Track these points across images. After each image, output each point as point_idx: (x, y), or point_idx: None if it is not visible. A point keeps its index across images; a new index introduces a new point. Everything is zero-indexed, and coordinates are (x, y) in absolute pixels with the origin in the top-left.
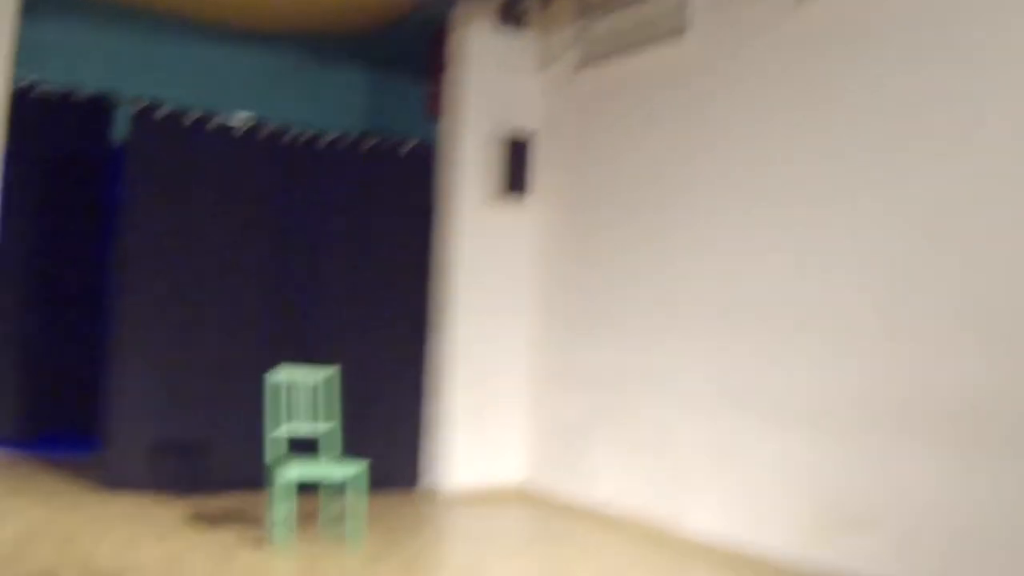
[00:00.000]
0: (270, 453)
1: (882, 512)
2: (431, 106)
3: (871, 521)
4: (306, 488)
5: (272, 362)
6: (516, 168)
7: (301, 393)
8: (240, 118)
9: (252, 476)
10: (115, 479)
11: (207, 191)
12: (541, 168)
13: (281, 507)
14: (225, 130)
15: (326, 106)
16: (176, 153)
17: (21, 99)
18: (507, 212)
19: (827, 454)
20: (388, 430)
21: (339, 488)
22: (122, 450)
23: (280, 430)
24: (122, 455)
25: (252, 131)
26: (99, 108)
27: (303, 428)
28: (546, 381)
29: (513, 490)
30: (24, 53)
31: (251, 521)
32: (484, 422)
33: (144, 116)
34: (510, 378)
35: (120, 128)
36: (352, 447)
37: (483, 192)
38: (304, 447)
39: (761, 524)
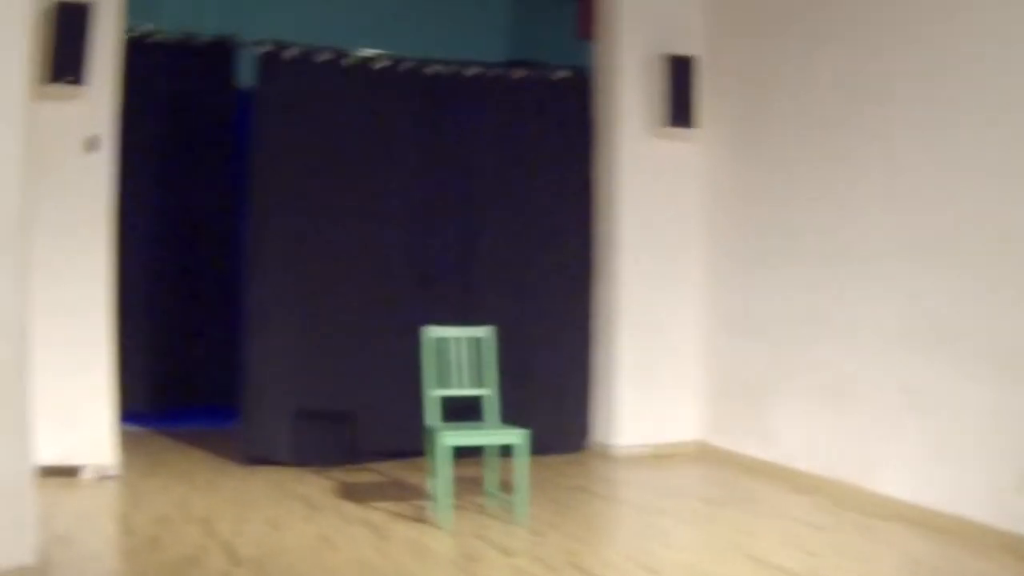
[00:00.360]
0: (428, 416)
1: None
2: (582, 27)
3: None
4: (464, 454)
5: (420, 322)
6: (680, 96)
7: (456, 353)
8: (372, 54)
9: (402, 445)
10: (255, 453)
11: (344, 135)
12: (706, 96)
13: (441, 476)
14: (361, 68)
15: (465, 34)
16: (308, 96)
17: (137, 48)
18: (672, 145)
19: None
20: (551, 387)
21: (501, 453)
22: (262, 422)
23: (437, 392)
24: (262, 427)
25: (389, 67)
26: (221, 52)
27: (460, 390)
28: (719, 329)
29: (688, 448)
30: (135, 1)
31: (406, 493)
32: (654, 375)
33: (271, 58)
34: (681, 327)
35: (244, 73)
36: (513, 408)
37: (645, 123)
38: (460, 412)
39: (960, 482)
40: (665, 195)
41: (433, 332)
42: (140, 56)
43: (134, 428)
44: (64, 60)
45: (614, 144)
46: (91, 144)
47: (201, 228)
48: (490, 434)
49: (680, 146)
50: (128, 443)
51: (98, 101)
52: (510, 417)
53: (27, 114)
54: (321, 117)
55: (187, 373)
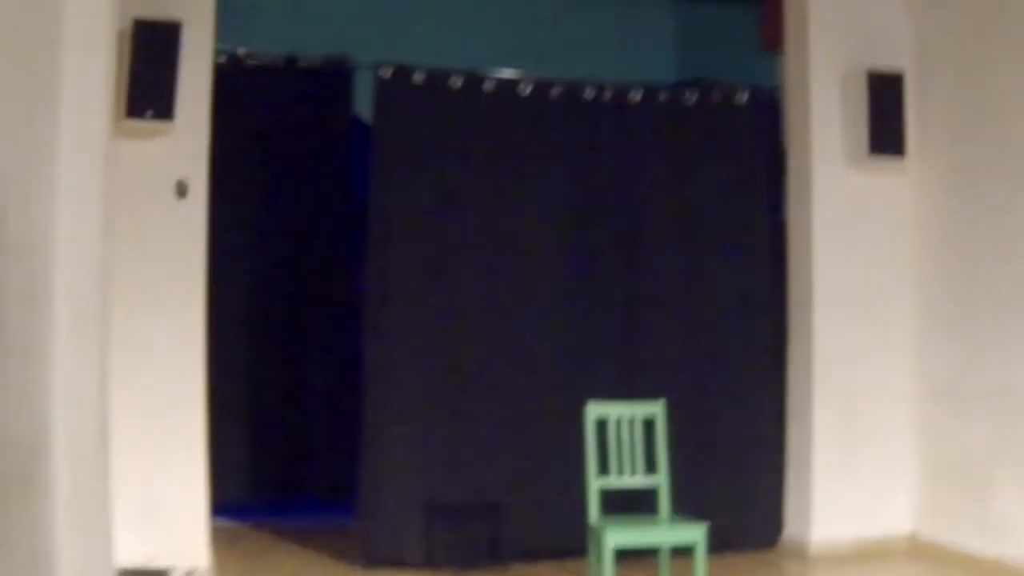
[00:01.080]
0: (592, 511)
1: None
2: (767, 35)
3: None
4: (632, 554)
5: (575, 396)
6: (886, 119)
7: (622, 434)
8: (516, 76)
9: (555, 543)
10: (377, 553)
11: (482, 174)
12: (916, 119)
13: None
14: (502, 93)
15: (626, 50)
16: (439, 127)
17: (230, 74)
18: (876, 180)
19: None
20: (734, 472)
21: (675, 553)
22: (384, 516)
23: (601, 481)
24: (385, 523)
25: (537, 92)
26: (332, 77)
27: (628, 479)
28: (935, 401)
29: (898, 544)
30: (229, 19)
31: None
32: (857, 456)
33: (395, 83)
34: (888, 399)
35: (360, 101)
36: (690, 497)
37: (844, 152)
38: (627, 501)
39: None
40: (869, 240)
41: (595, 409)
42: (234, 83)
43: (229, 523)
44: (146, 90)
45: (807, 179)
46: (179, 190)
47: (310, 286)
48: (664, 531)
49: (886, 181)
50: (222, 541)
51: (187, 138)
52: (686, 508)
53: (107, 158)
54: (454, 152)
55: (294, 457)
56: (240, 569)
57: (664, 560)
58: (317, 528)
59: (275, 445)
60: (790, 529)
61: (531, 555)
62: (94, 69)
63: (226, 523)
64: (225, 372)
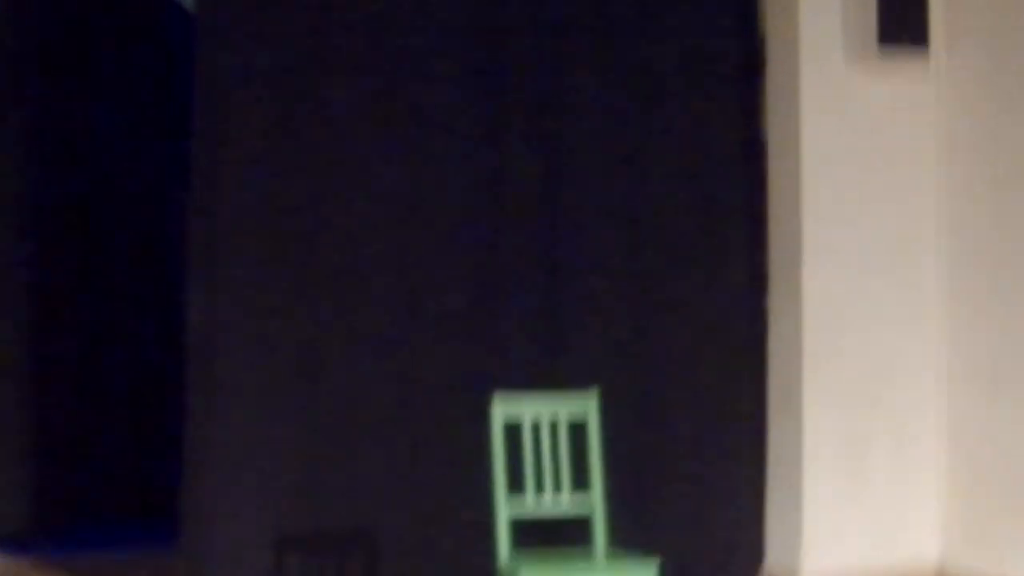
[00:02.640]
0: (501, 545)
1: None
2: None
3: None
4: None
5: (476, 385)
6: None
7: (540, 441)
8: None
9: None
10: None
11: (343, 74)
12: (945, 2)
13: None
14: None
15: None
16: (283, 18)
17: None
18: (890, 82)
19: None
20: (697, 486)
21: None
22: (216, 553)
23: (513, 507)
24: (217, 561)
25: None
26: None
27: (549, 502)
28: (970, 389)
29: (922, 574)
30: None
31: None
32: (866, 463)
33: None
34: (906, 385)
35: None
36: (635, 523)
37: (846, 45)
38: (545, 531)
39: None
40: (880, 167)
41: (504, 407)
42: None
43: (4, 560)
44: None
45: (793, 83)
46: None
47: (114, 222)
48: (602, 571)
49: (903, 84)
50: None
51: None
52: (630, 536)
53: None
54: (305, 52)
55: (90, 470)
56: None
57: None
58: (129, 562)
59: (62, 456)
60: (774, 558)
61: None
62: None
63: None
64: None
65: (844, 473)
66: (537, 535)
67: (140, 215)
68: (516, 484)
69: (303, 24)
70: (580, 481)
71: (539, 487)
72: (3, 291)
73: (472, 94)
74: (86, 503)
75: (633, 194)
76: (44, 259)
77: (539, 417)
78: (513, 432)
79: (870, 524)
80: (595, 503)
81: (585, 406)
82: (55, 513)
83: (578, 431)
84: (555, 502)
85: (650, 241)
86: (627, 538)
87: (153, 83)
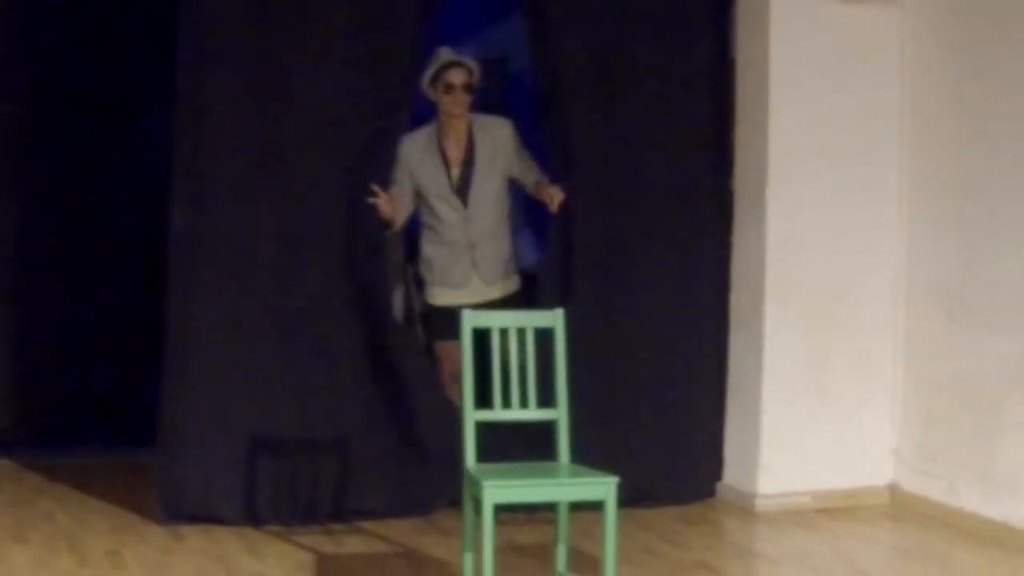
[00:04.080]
0: (468, 453)
1: None
2: None
3: None
4: (519, 506)
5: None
6: None
7: (507, 352)
8: None
9: (417, 493)
10: (182, 506)
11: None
12: None
13: (486, 544)
14: None
15: None
16: None
17: None
18: (857, 8)
19: None
20: (658, 404)
21: (576, 507)
22: (191, 457)
23: (480, 414)
24: (192, 465)
25: None
26: None
27: (516, 411)
28: (929, 311)
29: (875, 499)
30: None
31: (422, 569)
32: (824, 384)
33: None
34: (866, 306)
35: None
36: (598, 436)
37: None
38: (514, 441)
39: None
40: (844, 92)
41: (472, 318)
42: None
43: None
44: None
45: (763, 11)
46: None
47: (96, 164)
48: (561, 486)
49: (871, 9)
50: None
51: None
52: (593, 451)
53: None
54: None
55: (69, 367)
56: (4, 522)
57: (562, 518)
58: (109, 465)
59: (48, 358)
60: (730, 478)
61: (383, 509)
62: None
63: None
64: None
65: (802, 394)
66: (506, 446)
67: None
68: (484, 396)
69: None
70: (546, 399)
71: (506, 401)
72: None
73: None
74: (68, 411)
75: (608, 115)
76: (33, 171)
77: (507, 328)
78: (482, 342)
79: (826, 446)
80: (560, 416)
81: (552, 321)
82: (39, 420)
83: (545, 350)
84: (521, 412)
85: (622, 164)
86: (590, 455)
87: None
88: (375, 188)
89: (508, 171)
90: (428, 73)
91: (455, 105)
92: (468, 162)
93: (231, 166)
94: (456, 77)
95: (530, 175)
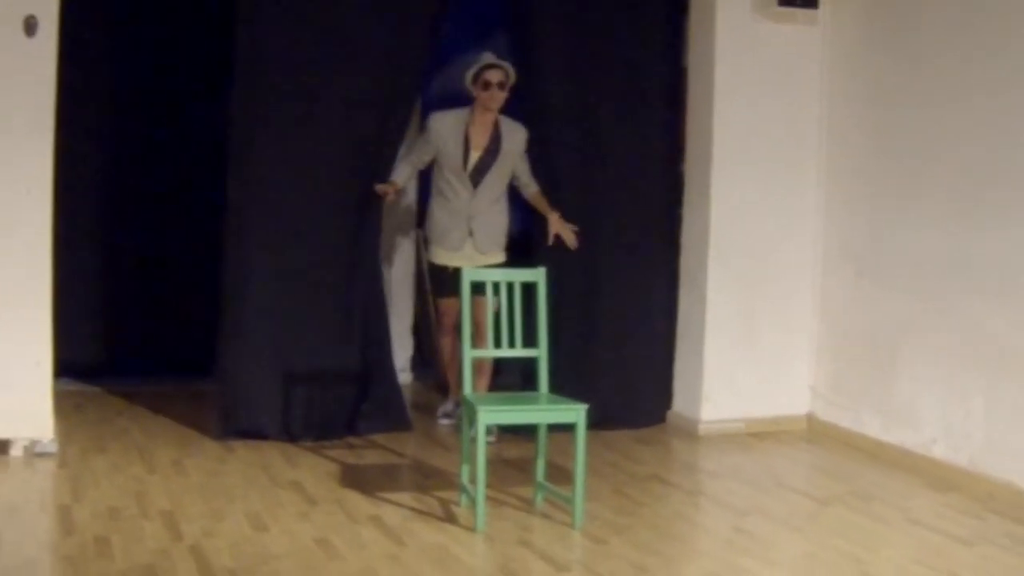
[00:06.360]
0: (465, 383)
1: None
2: None
3: None
4: (507, 428)
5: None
6: None
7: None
8: None
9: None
10: (235, 424)
11: None
12: None
13: (477, 462)
14: None
15: None
16: None
17: None
18: (787, 29)
19: None
20: (620, 343)
21: (552, 428)
22: (244, 382)
23: (476, 352)
24: (244, 388)
25: None
26: None
27: (505, 350)
28: (840, 271)
29: (794, 425)
30: None
31: (429, 481)
32: (754, 328)
33: None
34: (790, 266)
35: None
36: (572, 370)
37: (754, 3)
38: (500, 374)
39: None
40: (775, 94)
41: (471, 274)
42: None
43: (75, 386)
44: None
45: (710, 29)
46: (27, 27)
47: (172, 140)
48: (541, 410)
49: (797, 31)
50: (67, 407)
51: None
52: (567, 383)
53: None
54: None
55: (146, 312)
56: (85, 438)
57: (542, 437)
58: (174, 393)
59: (128, 297)
60: (678, 407)
61: (398, 424)
62: None
63: (74, 386)
64: (74, 225)
65: (737, 340)
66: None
67: (196, 129)
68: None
69: None
70: (529, 340)
71: (497, 341)
72: (81, 176)
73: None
74: (143, 348)
75: (582, 115)
76: (117, 141)
77: (499, 283)
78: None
79: (756, 382)
80: (540, 354)
81: (536, 277)
82: (121, 355)
83: (530, 301)
84: (509, 352)
85: (595, 154)
86: (565, 387)
87: None
88: (382, 187)
89: (513, 166)
90: (471, 72)
91: (491, 100)
92: (492, 151)
93: (273, 149)
94: (494, 76)
95: (524, 175)
